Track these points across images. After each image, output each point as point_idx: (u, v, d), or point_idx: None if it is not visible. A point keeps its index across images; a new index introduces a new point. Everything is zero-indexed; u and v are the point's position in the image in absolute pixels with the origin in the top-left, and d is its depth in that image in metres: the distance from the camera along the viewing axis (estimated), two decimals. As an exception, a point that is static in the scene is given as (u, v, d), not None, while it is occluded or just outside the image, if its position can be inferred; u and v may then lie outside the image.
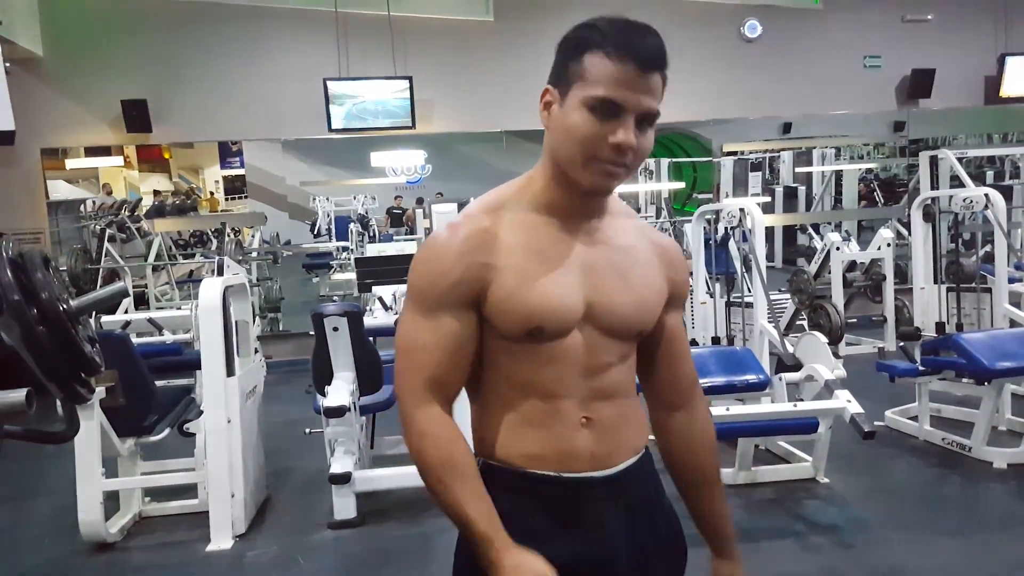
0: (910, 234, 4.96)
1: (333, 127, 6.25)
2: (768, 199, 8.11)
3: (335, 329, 3.25)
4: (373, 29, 6.32)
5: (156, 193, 8.38)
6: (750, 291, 4.36)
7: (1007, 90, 7.10)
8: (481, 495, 1.02)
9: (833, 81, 7.02)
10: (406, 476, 3.18)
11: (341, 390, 3.20)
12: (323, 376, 3.32)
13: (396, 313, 3.91)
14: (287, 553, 3.04)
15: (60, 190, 6.81)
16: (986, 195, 4.15)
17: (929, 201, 4.69)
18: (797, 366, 3.47)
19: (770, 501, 3.26)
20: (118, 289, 1.58)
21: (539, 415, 1.06)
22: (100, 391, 2.98)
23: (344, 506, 3.19)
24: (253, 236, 7.51)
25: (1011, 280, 4.44)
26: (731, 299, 4.90)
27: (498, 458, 1.08)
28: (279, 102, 6.34)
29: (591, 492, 1.07)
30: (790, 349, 3.63)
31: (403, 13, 6.35)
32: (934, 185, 5.37)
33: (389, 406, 3.53)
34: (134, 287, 6.22)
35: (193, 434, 3.36)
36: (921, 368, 3.79)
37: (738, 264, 4.90)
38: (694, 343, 4.51)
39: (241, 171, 7.70)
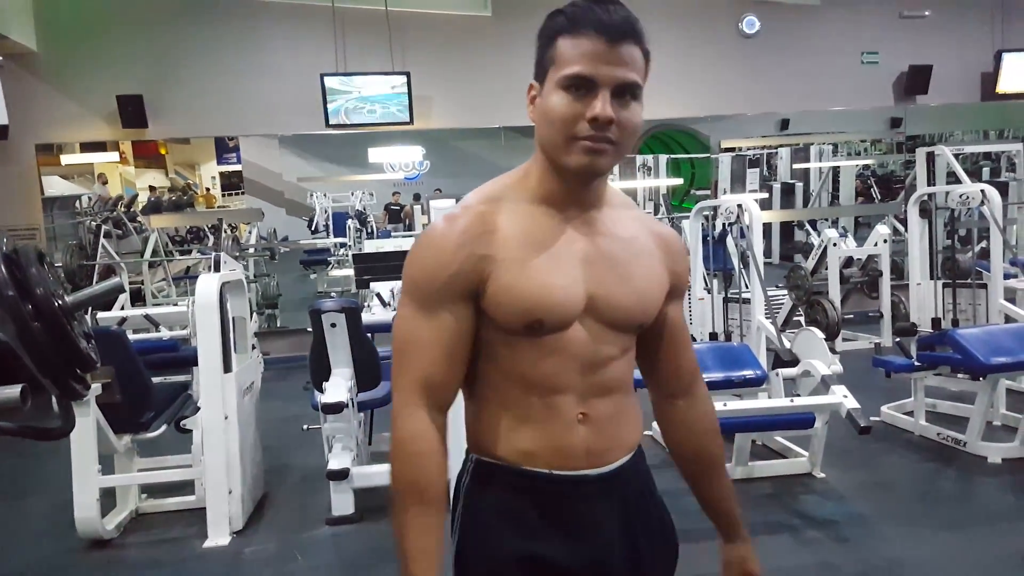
0: (906, 230, 4.97)
1: (330, 123, 6.24)
2: (766, 195, 8.10)
3: (333, 325, 3.25)
4: (370, 24, 6.31)
5: (152, 189, 8.37)
6: (747, 287, 4.37)
7: (1003, 86, 7.11)
8: (428, 529, 0.99)
9: (830, 77, 7.02)
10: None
11: (339, 386, 3.19)
12: (321, 372, 3.31)
13: (394, 309, 3.91)
14: (285, 549, 3.04)
15: (55, 186, 6.79)
16: (982, 191, 4.15)
17: (925, 197, 4.69)
18: (794, 361, 3.48)
19: (767, 496, 3.28)
20: (113, 285, 1.57)
21: (535, 411, 1.04)
22: (96, 387, 2.98)
23: (342, 502, 3.19)
24: (250, 232, 7.50)
25: (1006, 276, 4.45)
26: (728, 295, 4.91)
27: (492, 455, 1.07)
28: (276, 98, 6.31)
29: (585, 490, 1.06)
30: (787, 345, 3.64)
31: (400, 8, 6.33)
32: (930, 181, 5.38)
33: (387, 402, 3.51)
34: (130, 283, 6.21)
35: (190, 430, 3.36)
36: (917, 363, 3.80)
37: (736, 260, 4.91)
38: (692, 339, 4.50)
39: (238, 167, 7.69)
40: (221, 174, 8.48)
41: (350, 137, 6.65)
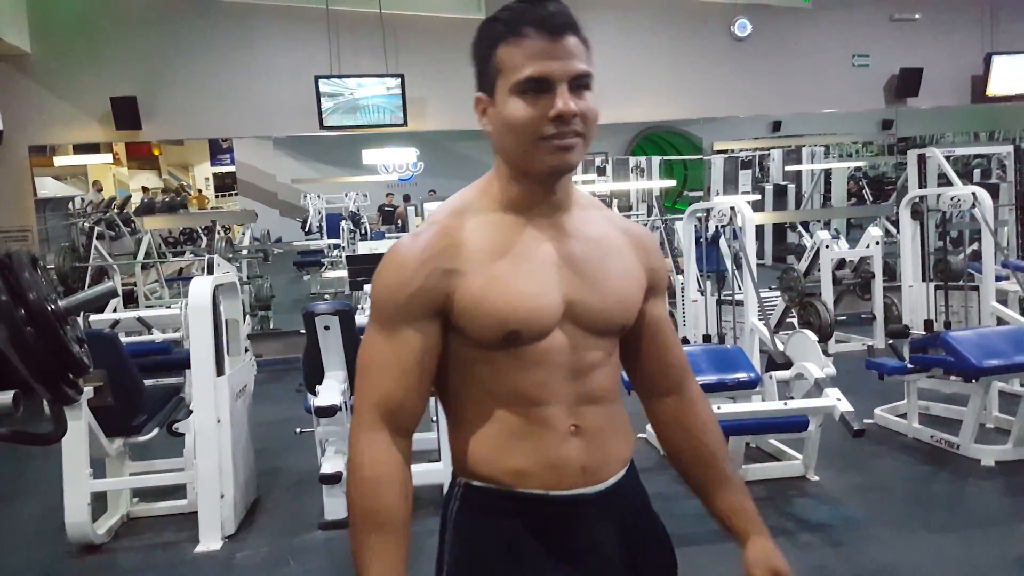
0: (898, 232, 4.99)
1: (324, 124, 6.23)
2: (758, 197, 8.14)
3: (326, 328, 3.23)
4: (364, 26, 6.30)
5: (145, 190, 8.35)
6: (740, 289, 4.38)
7: (993, 89, 7.15)
8: (387, 554, 0.96)
9: (822, 80, 7.05)
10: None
11: (332, 389, 3.18)
12: (314, 375, 3.30)
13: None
14: (277, 554, 3.02)
15: (48, 187, 6.76)
16: (973, 193, 4.17)
17: (917, 199, 4.72)
18: (787, 364, 3.49)
19: (760, 499, 3.28)
20: (107, 289, 1.57)
21: (524, 426, 1.00)
22: (88, 391, 2.96)
23: (335, 506, 3.17)
24: (243, 234, 7.48)
25: (998, 278, 4.46)
26: (722, 297, 4.92)
27: (481, 477, 1.03)
28: (270, 99, 6.30)
29: (583, 510, 1.03)
30: (780, 347, 3.64)
31: (394, 11, 6.32)
32: (922, 183, 5.42)
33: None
34: (123, 285, 6.18)
35: (182, 434, 3.34)
36: (910, 366, 3.81)
37: (729, 262, 4.92)
38: (685, 341, 4.52)
39: (231, 168, 7.67)
40: (215, 175, 8.46)
41: (344, 139, 6.63)
